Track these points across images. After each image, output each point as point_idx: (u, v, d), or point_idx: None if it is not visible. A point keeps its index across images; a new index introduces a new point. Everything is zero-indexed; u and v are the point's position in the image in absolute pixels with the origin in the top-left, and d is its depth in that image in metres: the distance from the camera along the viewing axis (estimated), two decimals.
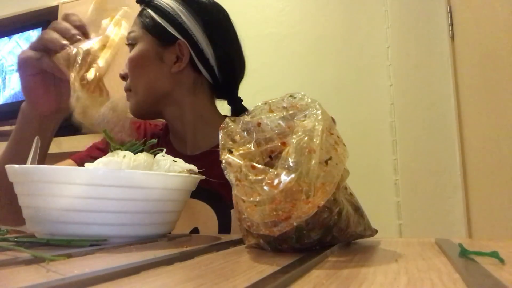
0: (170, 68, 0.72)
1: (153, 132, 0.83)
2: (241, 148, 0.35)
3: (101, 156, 0.45)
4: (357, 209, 0.41)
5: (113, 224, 0.43)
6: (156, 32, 0.72)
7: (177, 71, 0.72)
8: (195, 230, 0.70)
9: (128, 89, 0.73)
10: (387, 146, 1.60)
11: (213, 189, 0.58)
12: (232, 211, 0.71)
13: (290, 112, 0.36)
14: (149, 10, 0.74)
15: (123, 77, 0.75)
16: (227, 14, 0.78)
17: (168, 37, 0.71)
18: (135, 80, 0.72)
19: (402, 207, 1.55)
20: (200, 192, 0.52)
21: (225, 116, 0.78)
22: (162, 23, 0.71)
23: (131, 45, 0.73)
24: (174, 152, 0.72)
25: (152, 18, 0.72)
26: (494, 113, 1.56)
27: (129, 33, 0.72)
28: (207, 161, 0.57)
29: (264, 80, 1.95)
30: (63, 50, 0.54)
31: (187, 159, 0.51)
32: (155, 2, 0.74)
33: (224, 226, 0.70)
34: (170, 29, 0.71)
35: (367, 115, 1.74)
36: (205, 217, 0.70)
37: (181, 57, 0.72)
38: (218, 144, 0.84)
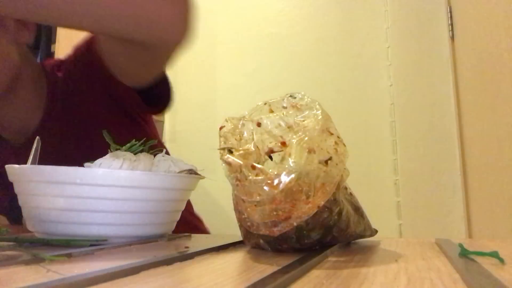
0: (13, 37, 0.57)
1: None
2: (241, 148, 0.35)
3: None
4: (357, 209, 0.41)
5: (113, 224, 0.43)
6: None
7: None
8: None
9: None
10: (387, 146, 1.60)
11: None
12: None
13: (290, 112, 0.36)
14: None
15: None
16: None
17: None
18: None
19: (402, 207, 1.55)
20: None
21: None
22: None
23: None
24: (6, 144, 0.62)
25: None
26: (494, 113, 1.56)
27: None
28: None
29: (264, 80, 1.95)
30: None
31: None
32: None
33: None
34: None
35: (367, 115, 1.74)
36: None
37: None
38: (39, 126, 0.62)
